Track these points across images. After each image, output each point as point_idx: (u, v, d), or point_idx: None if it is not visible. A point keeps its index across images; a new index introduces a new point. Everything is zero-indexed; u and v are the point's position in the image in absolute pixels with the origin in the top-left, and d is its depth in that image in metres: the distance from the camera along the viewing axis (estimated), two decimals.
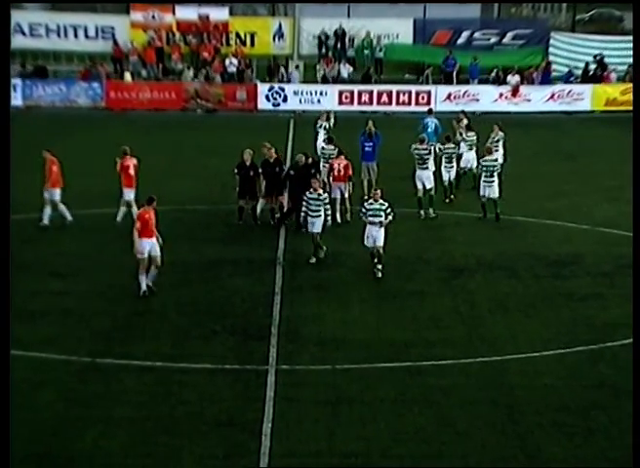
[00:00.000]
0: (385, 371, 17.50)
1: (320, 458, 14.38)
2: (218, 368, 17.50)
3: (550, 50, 52.40)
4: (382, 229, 22.58)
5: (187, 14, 51.26)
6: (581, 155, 39.32)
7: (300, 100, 49.22)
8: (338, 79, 50.53)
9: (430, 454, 14.54)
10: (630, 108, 44.72)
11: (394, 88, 49.55)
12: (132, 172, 26.26)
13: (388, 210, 22.56)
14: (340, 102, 49.11)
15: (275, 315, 20.07)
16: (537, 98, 49.78)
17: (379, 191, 22.91)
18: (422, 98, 49.29)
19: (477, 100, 49.48)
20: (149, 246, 20.85)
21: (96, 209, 28.19)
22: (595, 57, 51.51)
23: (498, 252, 25.04)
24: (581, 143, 42.44)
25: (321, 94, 49.30)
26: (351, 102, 49.23)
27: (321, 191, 23.53)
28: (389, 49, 51.85)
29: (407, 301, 21.29)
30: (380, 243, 22.59)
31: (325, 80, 50.44)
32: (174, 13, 51.24)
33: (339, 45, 51.80)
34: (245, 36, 51.94)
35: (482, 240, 26.23)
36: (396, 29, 52.16)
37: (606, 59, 51.32)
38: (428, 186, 28.26)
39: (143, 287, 20.80)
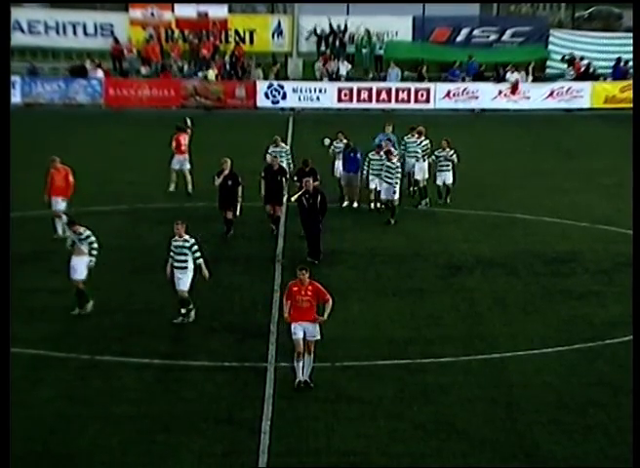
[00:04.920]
0: (385, 369, 17.50)
1: (319, 456, 14.37)
2: (217, 365, 17.50)
3: (550, 47, 52.36)
4: (190, 272, 19.69)
5: (186, 11, 51.20)
6: (580, 152, 39.30)
7: (300, 98, 49.20)
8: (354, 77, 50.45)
9: (429, 452, 14.53)
10: (629, 106, 44.72)
11: (393, 85, 49.52)
12: None
13: (195, 247, 19.58)
14: (340, 100, 49.10)
15: (274, 312, 20.04)
16: (536, 96, 49.74)
17: (183, 225, 19.75)
18: (422, 96, 49.27)
19: (476, 98, 49.47)
20: (301, 329, 16.79)
21: (95, 206, 28.17)
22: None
23: (496, 249, 25.04)
24: (581, 141, 42.42)
25: (320, 91, 49.28)
26: (350, 100, 49.22)
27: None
28: (389, 46, 51.81)
29: (406, 299, 21.29)
30: (184, 287, 19.66)
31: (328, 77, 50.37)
32: (173, 10, 51.21)
33: (337, 42, 51.76)
34: (244, 34, 51.93)
35: (480, 237, 26.23)
36: (395, 27, 52.14)
37: (604, 56, 51.33)
38: (426, 176, 29.59)
39: (299, 376, 16.71)
